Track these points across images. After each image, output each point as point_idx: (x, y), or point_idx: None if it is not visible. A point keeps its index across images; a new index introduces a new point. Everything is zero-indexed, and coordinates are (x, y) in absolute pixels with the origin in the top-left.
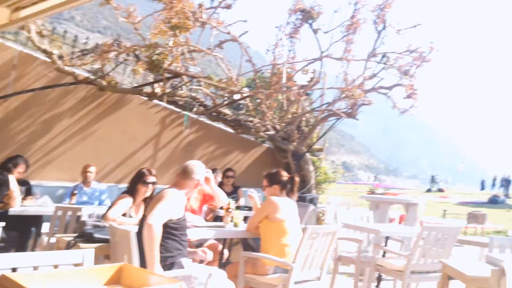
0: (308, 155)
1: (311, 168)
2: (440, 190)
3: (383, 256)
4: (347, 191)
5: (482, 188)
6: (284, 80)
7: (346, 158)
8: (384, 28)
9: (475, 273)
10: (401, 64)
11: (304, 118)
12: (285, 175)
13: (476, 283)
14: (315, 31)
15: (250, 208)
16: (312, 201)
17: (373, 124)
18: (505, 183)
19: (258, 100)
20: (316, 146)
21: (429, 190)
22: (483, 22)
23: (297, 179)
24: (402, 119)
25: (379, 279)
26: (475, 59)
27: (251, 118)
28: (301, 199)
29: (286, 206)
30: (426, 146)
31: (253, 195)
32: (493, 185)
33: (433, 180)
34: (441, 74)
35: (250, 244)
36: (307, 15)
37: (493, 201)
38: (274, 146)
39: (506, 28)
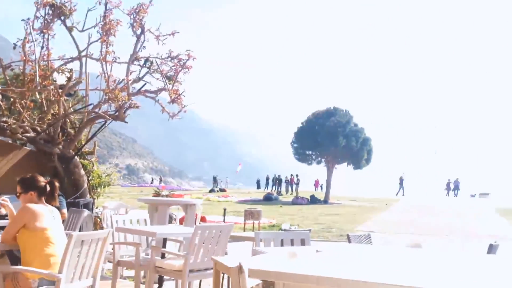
0: (77, 158)
1: (82, 172)
2: (222, 190)
3: (163, 257)
4: (133, 194)
5: (258, 187)
6: (38, 79)
7: (130, 161)
8: (142, 32)
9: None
10: (164, 69)
11: (68, 120)
12: (42, 180)
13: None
14: (69, 29)
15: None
16: (87, 206)
17: (154, 127)
18: (277, 182)
19: (11, 99)
20: (86, 150)
21: (212, 190)
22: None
23: (56, 183)
24: (182, 123)
25: (160, 280)
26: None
27: (4, 119)
28: (74, 205)
29: (46, 213)
30: (208, 149)
31: (6, 203)
32: (267, 184)
33: (215, 180)
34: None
35: (18, 256)
36: (59, 11)
37: (268, 198)
38: (37, 149)
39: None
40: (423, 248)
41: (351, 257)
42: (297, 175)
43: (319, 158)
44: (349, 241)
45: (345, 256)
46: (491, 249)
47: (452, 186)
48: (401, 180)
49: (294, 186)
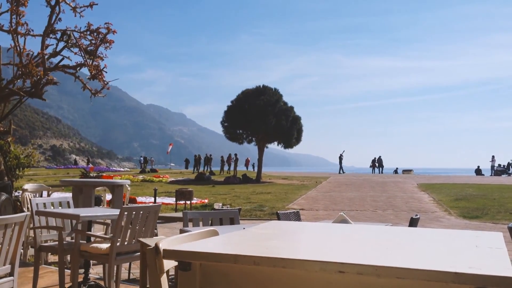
0: None
1: None
2: (153, 170)
3: (89, 241)
4: (59, 176)
5: (186, 167)
6: None
7: (55, 142)
8: (57, 3)
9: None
10: (83, 43)
11: None
12: None
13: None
14: None
15: None
16: (5, 189)
17: (79, 107)
18: (208, 161)
19: None
20: (1, 129)
21: (143, 171)
22: None
23: None
24: (109, 102)
25: (86, 265)
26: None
27: None
28: None
29: None
30: (137, 129)
31: None
32: (197, 164)
33: (145, 161)
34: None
35: None
36: None
37: (200, 178)
38: None
39: None
40: (349, 224)
41: (274, 234)
42: (235, 154)
43: (250, 137)
44: (279, 219)
45: (268, 233)
46: (413, 222)
47: (376, 164)
48: (340, 158)
49: (232, 165)
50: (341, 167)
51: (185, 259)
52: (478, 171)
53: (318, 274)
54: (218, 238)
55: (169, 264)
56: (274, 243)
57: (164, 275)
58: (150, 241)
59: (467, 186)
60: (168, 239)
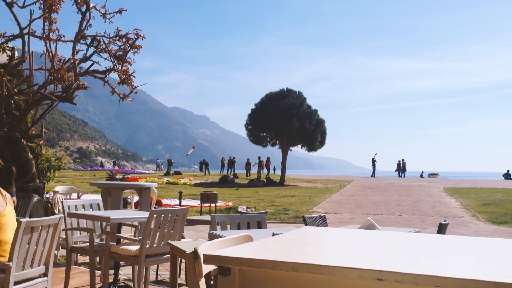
0: (24, 141)
1: (30, 155)
2: (178, 173)
3: (118, 243)
4: (85, 178)
5: (201, 169)
6: None
7: (81, 144)
8: (87, 9)
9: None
10: (112, 49)
11: (13, 101)
12: None
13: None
14: (9, 5)
15: None
16: (37, 191)
17: (105, 109)
18: (232, 164)
19: None
20: (33, 132)
21: (167, 173)
22: None
23: (13, 168)
24: (134, 105)
25: (116, 266)
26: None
27: None
28: (23, 190)
29: (0, 199)
30: (160, 131)
31: None
32: (222, 166)
33: (169, 163)
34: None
35: None
36: None
37: (224, 181)
38: None
39: None
40: (376, 230)
41: (307, 240)
42: (268, 158)
43: (274, 140)
44: (305, 223)
45: (301, 239)
46: (441, 227)
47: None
48: (374, 161)
49: (270, 169)
50: (374, 171)
51: (225, 264)
52: (507, 175)
53: (355, 281)
54: (254, 243)
55: (207, 269)
56: (310, 249)
57: (203, 279)
58: (179, 244)
59: (496, 191)
60: (206, 244)
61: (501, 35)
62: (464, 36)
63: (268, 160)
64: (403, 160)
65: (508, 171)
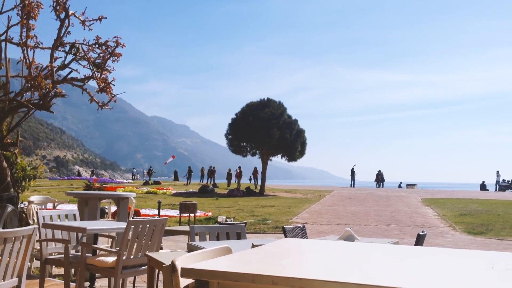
0: None
1: (5, 164)
2: (157, 182)
3: (95, 254)
4: (62, 188)
5: (175, 178)
6: None
7: (59, 153)
8: (66, 16)
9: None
10: (91, 56)
11: None
12: None
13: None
14: None
15: None
16: (11, 200)
17: (84, 118)
18: (212, 174)
19: None
20: (8, 140)
21: (146, 183)
22: None
23: None
24: (113, 113)
25: (92, 278)
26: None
27: None
28: None
29: None
30: (140, 140)
31: None
32: (202, 176)
33: (149, 172)
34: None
35: None
36: None
37: (203, 191)
38: None
39: None
40: (355, 241)
41: (287, 252)
42: (239, 167)
43: (254, 150)
44: (285, 234)
45: (281, 251)
46: (419, 238)
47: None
48: (353, 172)
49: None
50: (353, 181)
51: (203, 278)
52: (483, 186)
53: None
54: (233, 256)
55: (184, 282)
56: (290, 262)
57: None
58: (157, 255)
59: (472, 201)
60: (184, 256)
61: (477, 48)
62: (441, 49)
63: (255, 170)
64: (380, 171)
65: (483, 182)
